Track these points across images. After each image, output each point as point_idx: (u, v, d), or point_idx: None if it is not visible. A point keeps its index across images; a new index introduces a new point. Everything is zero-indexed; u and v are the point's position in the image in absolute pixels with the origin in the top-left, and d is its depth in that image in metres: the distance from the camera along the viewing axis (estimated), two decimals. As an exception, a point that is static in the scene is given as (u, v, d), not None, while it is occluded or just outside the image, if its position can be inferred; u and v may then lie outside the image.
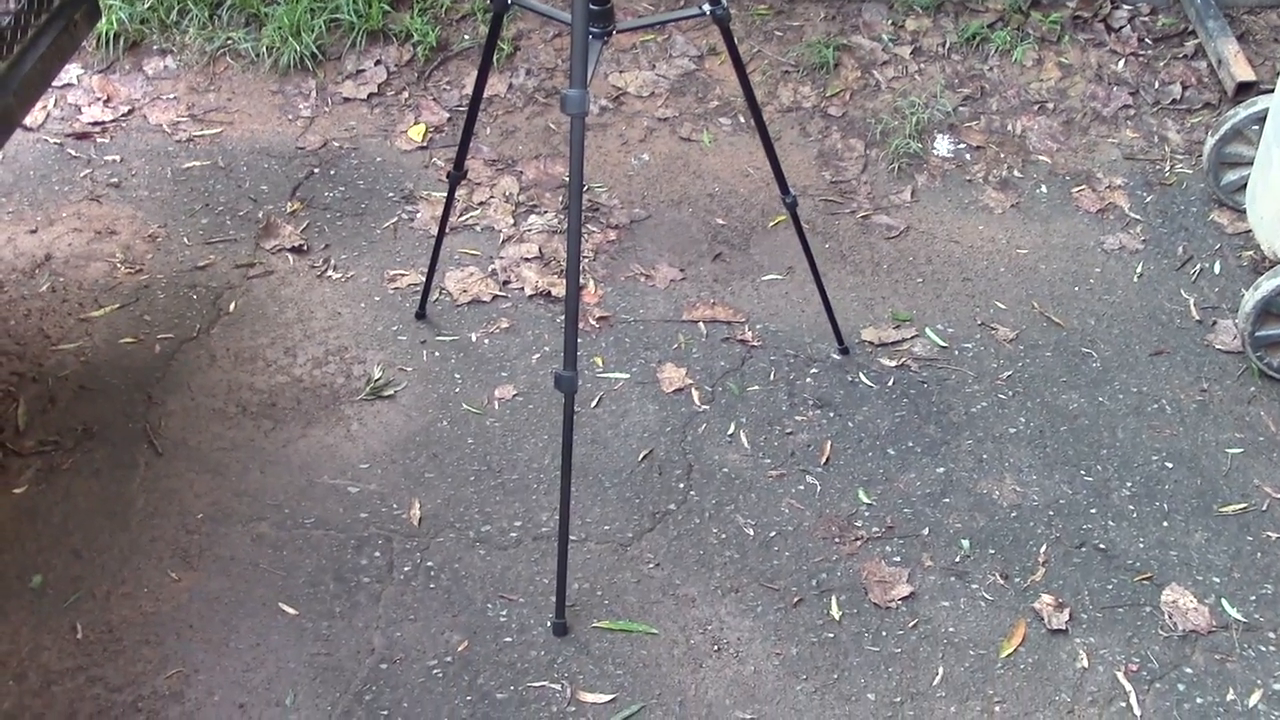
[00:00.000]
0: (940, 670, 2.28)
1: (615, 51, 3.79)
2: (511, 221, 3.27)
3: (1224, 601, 2.40)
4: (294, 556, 2.46)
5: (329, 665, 2.27)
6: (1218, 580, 2.44)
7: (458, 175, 2.65)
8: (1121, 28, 3.95)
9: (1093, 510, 2.57)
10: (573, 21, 2.04)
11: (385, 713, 2.20)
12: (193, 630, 2.32)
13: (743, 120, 3.63)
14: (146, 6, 3.81)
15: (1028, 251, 3.22)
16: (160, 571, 2.42)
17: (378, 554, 2.46)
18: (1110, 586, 2.43)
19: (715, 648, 2.32)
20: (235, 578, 2.42)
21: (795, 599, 2.40)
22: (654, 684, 2.26)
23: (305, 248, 3.17)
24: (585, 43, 2.03)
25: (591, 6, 2.14)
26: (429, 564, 2.45)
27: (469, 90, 3.70)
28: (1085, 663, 2.30)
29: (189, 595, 2.39)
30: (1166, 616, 2.38)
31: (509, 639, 2.32)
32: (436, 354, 2.90)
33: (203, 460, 2.64)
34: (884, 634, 2.34)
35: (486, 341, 2.94)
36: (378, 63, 3.76)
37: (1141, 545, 2.50)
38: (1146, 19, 3.98)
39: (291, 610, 2.36)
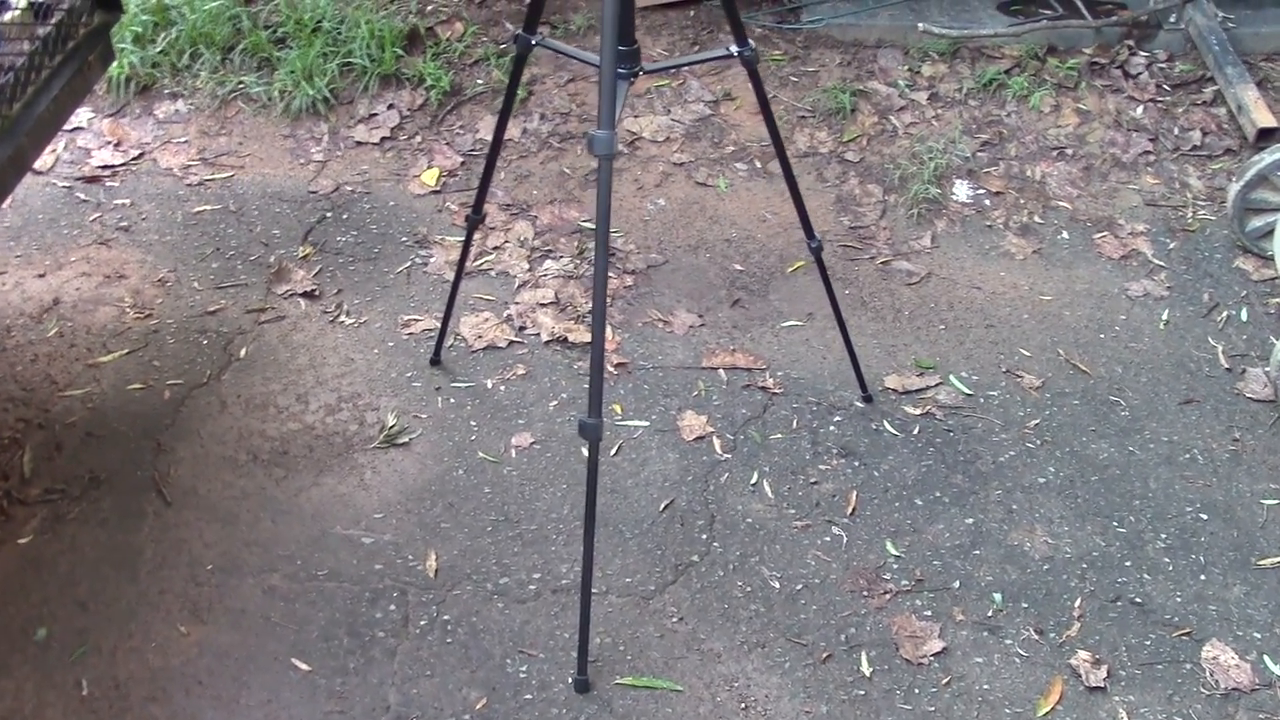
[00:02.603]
0: (976, 730, 2.21)
1: (630, 96, 3.76)
2: (527, 266, 3.22)
3: (1266, 658, 2.33)
4: (306, 610, 2.38)
5: (343, 723, 2.19)
6: (1259, 636, 2.36)
7: (476, 218, 2.61)
8: (1139, 74, 3.93)
9: (1127, 563, 2.50)
10: (601, 62, 2.00)
11: (401, 774, 2.12)
12: (202, 687, 2.25)
13: (759, 165, 3.59)
14: (158, 50, 3.79)
15: (1051, 298, 3.17)
16: (169, 624, 2.35)
17: (393, 607, 2.39)
18: (1148, 642, 2.35)
19: (743, 706, 2.24)
20: (246, 631, 2.34)
21: (824, 654, 2.32)
22: (680, 744, 2.18)
23: (317, 292, 3.12)
24: (614, 83, 1.99)
25: (619, 48, 2.10)
26: (445, 617, 2.37)
27: (483, 134, 3.66)
28: (1125, 722, 2.23)
29: (198, 650, 2.31)
30: (1208, 674, 2.30)
31: (529, 696, 2.24)
32: (452, 401, 2.84)
33: (213, 509, 2.57)
34: (916, 692, 2.27)
35: (503, 388, 2.88)
36: (390, 107, 3.73)
37: (1179, 599, 2.43)
38: (1164, 65, 3.96)
39: (304, 666, 2.28)
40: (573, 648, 2.30)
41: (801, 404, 2.84)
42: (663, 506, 2.60)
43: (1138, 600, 2.43)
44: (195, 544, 2.50)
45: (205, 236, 3.30)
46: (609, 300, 3.13)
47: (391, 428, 2.76)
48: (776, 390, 2.88)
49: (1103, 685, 2.27)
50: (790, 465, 2.70)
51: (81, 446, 2.69)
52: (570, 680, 2.26)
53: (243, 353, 2.95)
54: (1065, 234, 3.39)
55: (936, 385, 2.90)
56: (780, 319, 3.08)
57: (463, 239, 2.72)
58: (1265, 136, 3.58)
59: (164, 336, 2.99)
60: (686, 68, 3.89)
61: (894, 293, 3.18)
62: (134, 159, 3.56)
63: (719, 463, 2.70)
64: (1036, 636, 2.36)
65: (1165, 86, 3.88)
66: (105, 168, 3.52)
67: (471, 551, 2.50)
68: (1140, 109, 3.80)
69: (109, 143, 3.60)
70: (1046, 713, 2.24)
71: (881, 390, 2.88)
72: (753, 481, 2.66)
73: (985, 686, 2.28)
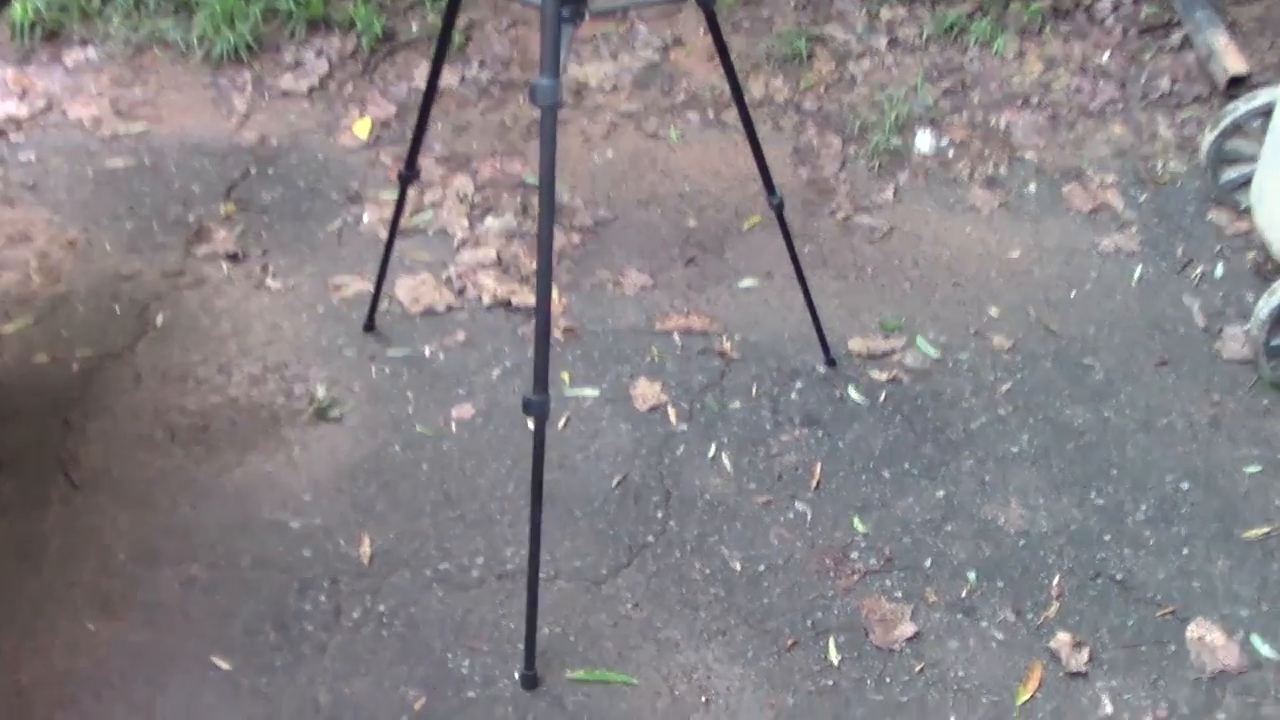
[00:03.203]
0: (952, 720, 2.07)
1: (574, 42, 3.54)
2: (466, 224, 3.01)
3: (1254, 637, 2.20)
4: (229, 602, 2.19)
5: (269, 728, 2.01)
6: (1245, 613, 2.24)
7: (409, 175, 2.40)
8: (1105, 19, 3.77)
9: (1106, 537, 2.37)
10: (543, 4, 1.80)
11: (334, 783, 1.95)
12: (113, 690, 2.05)
13: (712, 115, 3.40)
14: (65, -8, 3.51)
15: (1019, 254, 3.02)
16: (77, 622, 2.15)
17: (323, 598, 2.21)
18: (1131, 622, 2.22)
19: (703, 699, 2.08)
20: (162, 628, 2.15)
21: (789, 641, 2.17)
22: (636, 742, 2.02)
23: (241, 254, 2.90)
24: (558, 27, 1.80)
25: (562, -15, 1.90)
26: (381, 608, 2.19)
27: (418, 83, 3.44)
28: (1109, 709, 2.09)
29: (109, 649, 2.11)
30: (1193, 655, 2.18)
31: (472, 694, 2.07)
32: (387, 370, 2.64)
33: (126, 493, 2.36)
34: (888, 680, 2.12)
35: (442, 356, 2.68)
36: (319, 54, 3.49)
37: (1161, 575, 2.30)
38: (1130, 9, 3.80)
39: (226, 664, 2.09)
40: (520, 639, 2.13)
41: (761, 369, 2.68)
42: (615, 482, 2.43)
43: (1118, 577, 2.30)
44: (107, 532, 2.30)
45: (119, 194, 3.06)
46: (557, 260, 2.93)
47: (322, 400, 2.56)
48: (734, 355, 2.71)
49: (1084, 670, 2.14)
50: (750, 436, 2.53)
51: (-19, 425, 2.47)
52: (517, 676, 2.09)
53: (160, 320, 2.73)
54: (1032, 186, 3.24)
55: (903, 348, 2.74)
56: (737, 278, 2.91)
57: (397, 196, 2.51)
58: (1236, 84, 3.43)
59: (73, 304, 2.76)
60: (634, 9, 3.68)
61: (856, 249, 3.01)
62: (41, 111, 3.30)
63: (674, 434, 2.53)
64: (1014, 618, 2.23)
65: (1132, 31, 3.72)
66: (9, 120, 3.26)
67: (409, 535, 2.32)
68: (1106, 55, 3.64)
69: (13, 93, 3.33)
70: (1026, 701, 2.10)
71: (845, 354, 2.72)
72: (710, 454, 2.49)
73: (961, 673, 2.14)
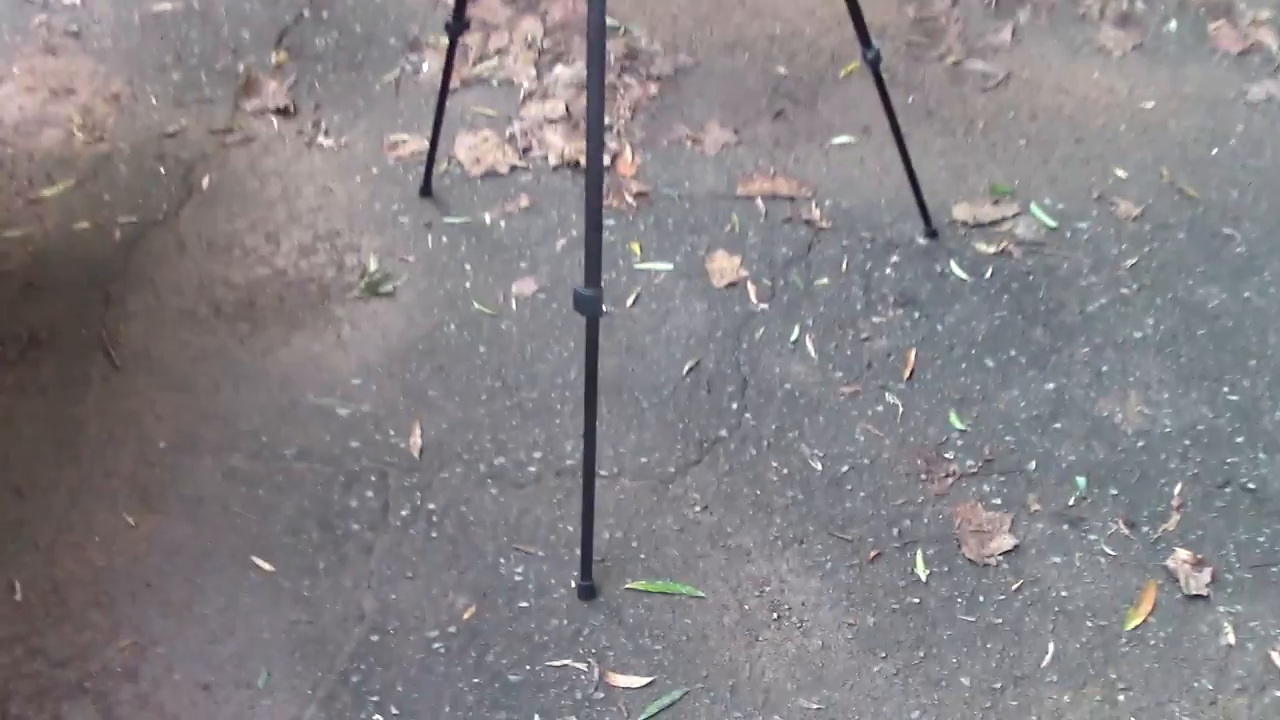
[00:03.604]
0: (1051, 647, 1.86)
1: None
2: (534, 73, 2.75)
3: (1407, 560, 1.95)
4: (271, 496, 2.06)
5: (310, 636, 1.89)
6: (1398, 531, 1.98)
7: (458, 26, 2.14)
8: None
9: (1239, 439, 2.10)
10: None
11: (375, 699, 1.82)
12: (150, 590, 1.95)
13: (810, -57, 3.04)
14: None
15: (1154, 105, 2.66)
16: (114, 514, 2.04)
17: (370, 494, 2.06)
18: (1262, 539, 1.97)
19: (774, 615, 1.91)
20: (202, 523, 2.03)
21: (872, 553, 1.97)
22: (699, 662, 1.86)
23: (292, 109, 2.69)
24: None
25: None
26: (431, 506, 2.04)
27: (485, -89, 3.13)
28: (1231, 638, 1.87)
29: (147, 545, 2.00)
30: (1334, 580, 1.93)
31: (525, 604, 1.93)
32: (444, 240, 2.44)
33: (167, 374, 2.23)
34: (981, 599, 1.92)
35: (503, 224, 2.47)
36: (378, -121, 3.20)
37: (1301, 485, 2.04)
38: None
39: (267, 566, 1.97)
40: (576, 543, 1.97)
41: (853, 241, 2.41)
42: (687, 369, 2.22)
43: (1251, 486, 2.04)
44: (147, 417, 2.17)
45: (165, 42, 2.86)
46: (630, 114, 2.67)
47: (374, 274, 2.38)
48: (823, 224, 2.44)
49: (1204, 593, 1.91)
50: (838, 317, 2.29)
51: (19, 299, 2.34)
52: (573, 585, 1.94)
53: (206, 183, 2.55)
54: (1173, 23, 2.85)
55: (1014, 216, 2.45)
56: (830, 134, 2.62)
57: (446, 49, 2.26)
58: None
59: (116, 164, 2.59)
60: None
61: (966, 100, 2.68)
62: (85, -52, 3.08)
63: (754, 314, 2.30)
64: (1126, 531, 1.99)
65: None
66: (52, -41, 3.06)
67: (462, 425, 2.15)
68: None
69: (56, -71, 3.12)
70: (1136, 626, 1.88)
71: (949, 223, 2.44)
72: (793, 338, 2.26)
73: (1063, 593, 1.92)
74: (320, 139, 2.63)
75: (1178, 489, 2.03)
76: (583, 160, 2.56)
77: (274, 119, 2.67)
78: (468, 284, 2.37)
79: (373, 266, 2.39)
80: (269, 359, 2.26)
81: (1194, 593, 1.91)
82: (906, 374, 2.20)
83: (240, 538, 2.01)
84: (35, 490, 2.07)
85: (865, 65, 2.08)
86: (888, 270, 2.36)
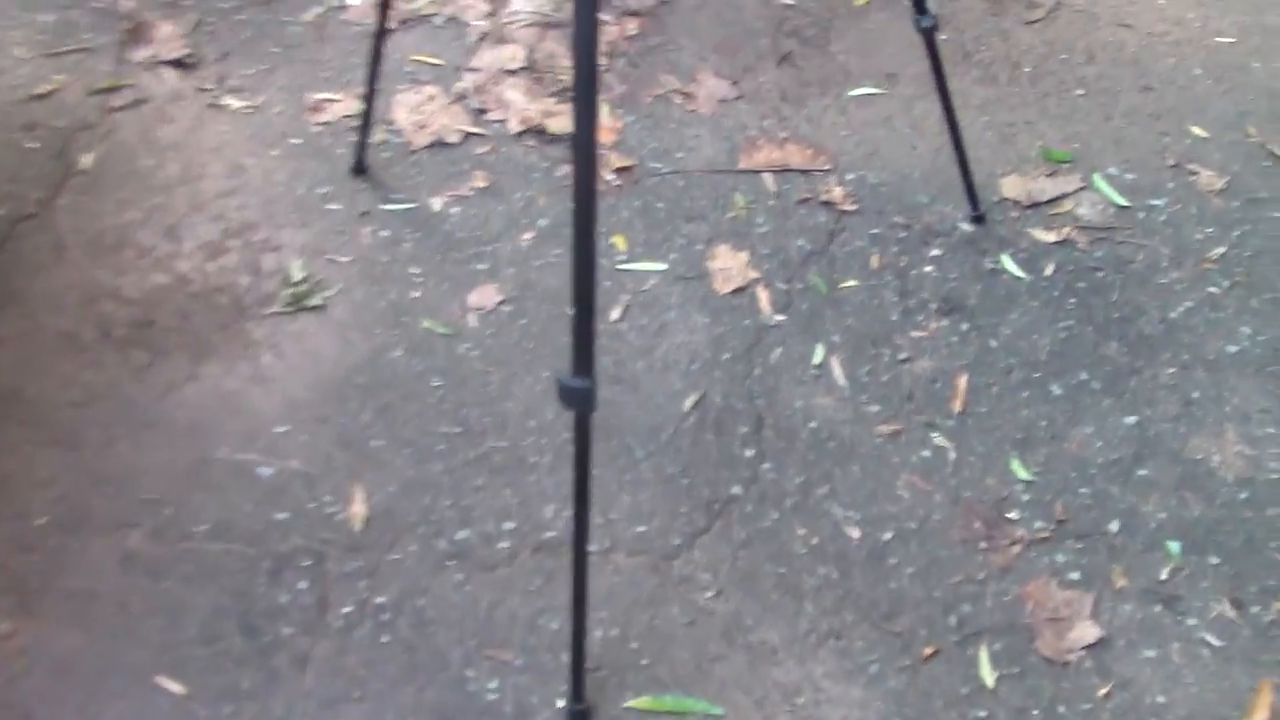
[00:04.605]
0: (1150, 774, 1.52)
1: None
2: (487, 9, 2.27)
3: None
4: (180, 591, 1.66)
5: (234, 786, 1.52)
6: None
7: (390, -18, 1.67)
8: None
9: (1362, 487, 1.74)
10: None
11: None
12: (30, 726, 1.56)
13: None
14: None
15: (1234, 40, 2.23)
16: (-16, 621, 1.64)
17: (303, 584, 1.66)
18: (1398, 623, 1.63)
19: (810, 738, 1.55)
20: (94, 629, 1.62)
21: (926, 650, 1.61)
22: (721, 806, 1.51)
23: (192, 60, 2.20)
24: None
25: None
26: (379, 600, 1.65)
27: None
28: (1369, 758, 1.54)
29: (25, 661, 1.60)
30: None
31: (502, 733, 1.56)
32: (383, 234, 2.00)
33: (45, 424, 1.80)
34: (1061, 709, 1.57)
35: (456, 211, 2.02)
36: None
37: None
38: None
39: (177, 687, 1.58)
40: (563, 646, 1.59)
41: (884, 228, 1.99)
42: (689, 404, 1.82)
43: (1380, 551, 1.69)
44: (21, 484, 1.75)
45: (32, -29, 2.33)
46: (606, 59, 2.20)
47: (299, 281, 1.94)
48: (847, 206, 2.02)
49: (1333, 696, 1.57)
50: (870, 331, 1.88)
51: None
52: (560, 706, 1.57)
53: (87, 161, 2.08)
54: (1248, -68, 2.39)
55: (1076, 191, 2.03)
56: (848, 83, 2.17)
57: None
58: None
59: (-26, 137, 2.11)
60: None
61: (1008, 36, 2.23)
62: None
63: (768, 329, 1.89)
64: (1232, 613, 1.64)
65: None
66: None
67: (416, 486, 1.74)
68: None
69: None
70: (1251, 741, 1.55)
71: (997, 202, 2.02)
72: (817, 360, 1.86)
73: (1160, 698, 1.57)
74: (227, 99, 2.15)
75: (1292, 555, 1.68)
76: (549, 125, 2.10)
77: (169, 73, 2.18)
78: (415, 293, 1.93)
79: (297, 272, 1.95)
80: (172, 400, 1.82)
81: (1319, 696, 1.57)
82: (957, 407, 1.81)
83: (143, 649, 1.61)
84: (-119, 590, 1.65)
85: (919, 34, 1.63)
86: (927, 267, 1.95)
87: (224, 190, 2.04)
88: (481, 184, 2.05)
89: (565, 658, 1.58)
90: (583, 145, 1.15)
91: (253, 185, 2.05)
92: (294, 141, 2.10)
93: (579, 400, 1.28)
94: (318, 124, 2.12)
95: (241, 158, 2.08)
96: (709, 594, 1.65)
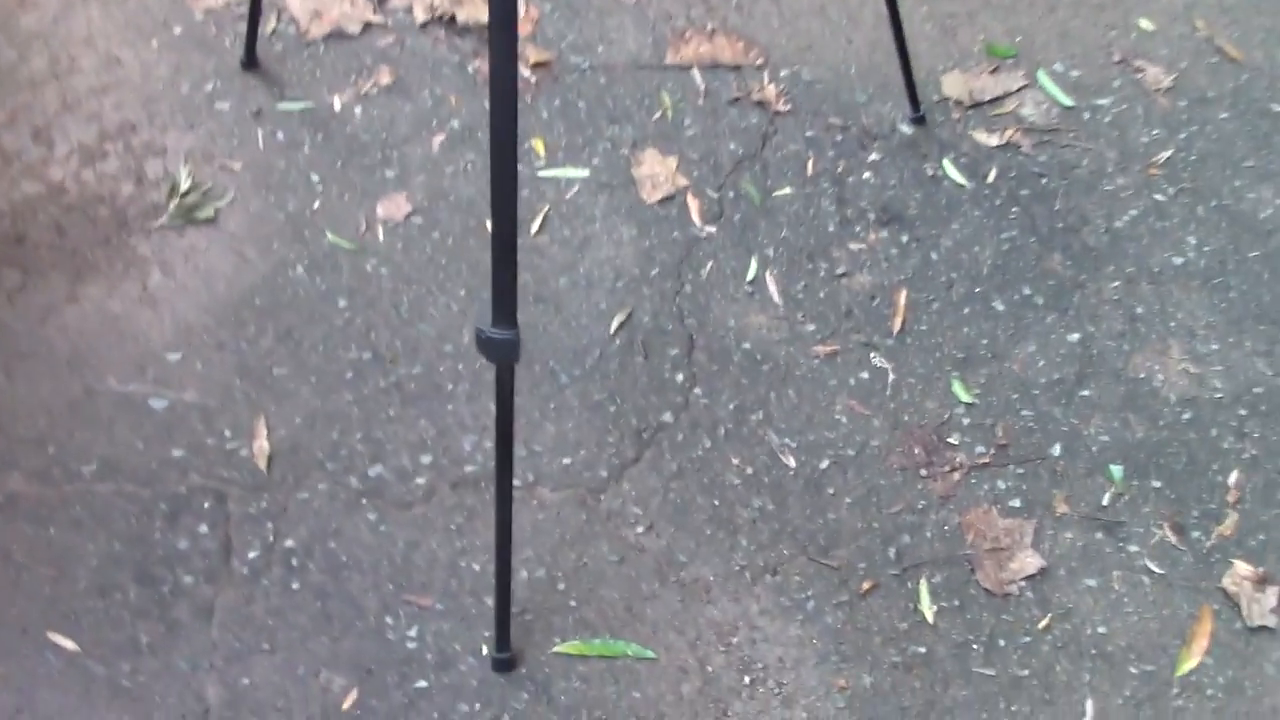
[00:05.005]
0: (1089, 706, 1.49)
1: None
2: (387, -121, 2.06)
3: None
4: (69, 538, 1.53)
5: (136, 749, 1.42)
6: None
7: None
8: None
9: (1305, 405, 1.70)
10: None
11: (232, 840, 1.38)
12: (-92, 691, 1.44)
13: None
14: None
15: (1182, -76, 2.12)
16: None
17: (204, 528, 1.55)
18: (1338, 546, 1.61)
19: (746, 680, 1.49)
20: (-26, 583, 1.50)
21: (865, 584, 1.55)
22: (655, 753, 1.45)
23: (55, -66, 1.97)
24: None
25: None
26: (288, 543, 1.54)
27: None
28: (1306, 685, 1.52)
29: (-100, 620, 1.48)
30: None
31: (423, 683, 1.47)
32: (279, 136, 1.83)
33: (-92, 355, 1.64)
34: (1002, 644, 1.53)
35: (358, 111, 1.86)
36: None
37: (1381, 469, 1.66)
38: None
39: (70, 644, 1.47)
40: (486, 590, 1.51)
41: (819, 130, 1.87)
42: (616, 325, 1.71)
43: (1322, 472, 1.66)
44: (-117, 421, 1.59)
45: None
46: (518, -59, 2.01)
47: (187, 190, 1.77)
48: (780, 106, 1.89)
49: (1270, 623, 1.55)
50: (806, 244, 1.78)
51: None
52: (486, 655, 1.49)
53: (-59, 51, 1.87)
54: None
55: (1020, 90, 1.93)
56: (780, -32, 2.02)
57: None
58: None
59: None
60: None
61: (950, -83, 2.10)
62: None
63: (698, 241, 1.78)
64: (1173, 538, 1.60)
65: None
66: None
67: (323, 418, 1.62)
68: None
69: None
70: (1190, 670, 1.52)
71: (938, 101, 1.91)
72: (750, 275, 1.75)
73: (1101, 629, 1.54)
74: (98, -19, 1.94)
75: (1233, 478, 1.64)
76: (459, 14, 1.93)
77: (31, -50, 1.96)
78: (316, 204, 1.78)
79: (185, 180, 1.78)
80: (51, 325, 1.67)
81: (1257, 623, 1.55)
82: (897, 324, 1.72)
83: (31, 602, 1.49)
84: None
85: None
86: (865, 174, 1.84)
87: (98, 86, 1.85)
88: (386, 80, 1.88)
89: (489, 601, 1.50)
90: (501, 53, 1.01)
91: (131, 81, 1.86)
92: (175, 30, 1.91)
93: (501, 351, 1.17)
94: (202, 10, 1.93)
95: (116, 49, 1.89)
96: (639, 529, 1.57)
